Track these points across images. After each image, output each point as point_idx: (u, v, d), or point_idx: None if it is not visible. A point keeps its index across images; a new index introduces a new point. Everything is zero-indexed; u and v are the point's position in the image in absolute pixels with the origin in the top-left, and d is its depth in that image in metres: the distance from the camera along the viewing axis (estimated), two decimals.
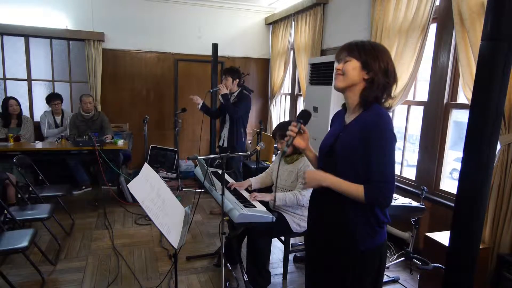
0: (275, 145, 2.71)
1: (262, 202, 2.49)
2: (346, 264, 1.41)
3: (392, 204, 2.79)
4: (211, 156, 2.70)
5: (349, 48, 1.40)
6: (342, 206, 1.39)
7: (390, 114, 3.60)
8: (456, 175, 4.60)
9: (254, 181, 2.82)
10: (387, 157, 1.32)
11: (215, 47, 4.82)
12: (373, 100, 1.37)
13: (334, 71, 1.45)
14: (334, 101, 3.72)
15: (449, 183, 3.14)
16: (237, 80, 3.83)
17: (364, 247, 1.38)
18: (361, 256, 1.39)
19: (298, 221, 2.59)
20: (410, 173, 3.48)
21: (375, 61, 1.35)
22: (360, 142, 1.33)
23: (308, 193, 2.47)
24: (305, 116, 1.51)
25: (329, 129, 1.61)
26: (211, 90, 4.11)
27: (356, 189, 1.33)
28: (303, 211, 2.58)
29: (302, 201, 2.49)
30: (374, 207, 1.38)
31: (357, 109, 1.41)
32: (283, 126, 2.62)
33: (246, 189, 2.77)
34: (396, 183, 3.68)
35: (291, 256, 3.04)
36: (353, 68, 1.37)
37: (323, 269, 1.49)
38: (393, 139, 1.34)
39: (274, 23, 6.00)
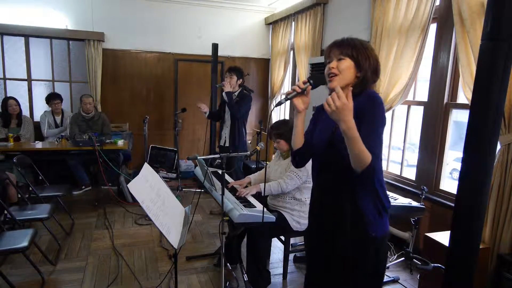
0: (275, 146, 2.71)
1: (261, 201, 2.50)
2: (359, 252, 1.41)
3: (392, 204, 2.80)
4: (211, 156, 2.70)
5: (341, 45, 1.39)
6: (353, 194, 1.39)
7: (391, 110, 3.58)
8: (456, 175, 4.60)
9: (253, 178, 2.83)
10: (375, 132, 1.32)
11: (215, 47, 4.81)
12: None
13: (326, 69, 1.42)
14: None
15: (449, 183, 3.14)
16: (241, 80, 3.86)
17: (375, 233, 1.39)
18: (372, 242, 1.40)
19: (298, 219, 2.59)
20: (410, 173, 3.48)
21: (366, 60, 1.38)
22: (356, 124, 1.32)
23: (292, 181, 2.51)
24: (316, 79, 1.44)
25: (308, 124, 1.61)
26: (218, 85, 4.11)
27: (367, 153, 1.25)
28: (301, 207, 2.59)
29: (286, 188, 2.53)
30: (379, 191, 1.40)
31: None
32: (278, 125, 2.62)
33: (246, 187, 2.78)
34: (396, 183, 3.68)
35: (291, 256, 3.04)
36: (347, 67, 1.38)
37: (331, 263, 1.49)
38: (383, 116, 1.36)
39: (274, 23, 6.00)
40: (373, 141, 1.29)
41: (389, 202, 1.46)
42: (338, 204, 1.44)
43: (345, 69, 1.38)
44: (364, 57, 1.38)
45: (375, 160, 1.27)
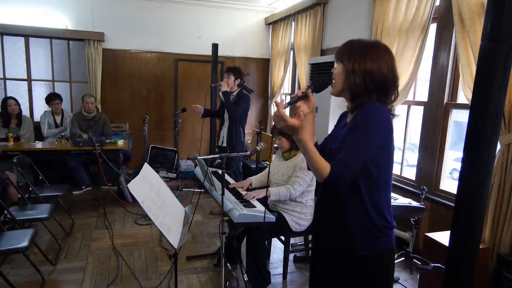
0: (275, 145, 2.71)
1: (261, 201, 2.50)
2: (347, 270, 1.38)
3: (392, 204, 2.80)
4: (211, 156, 2.70)
5: (339, 49, 1.34)
6: (340, 209, 1.35)
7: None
8: (456, 175, 4.60)
9: (255, 180, 2.83)
10: (358, 141, 1.22)
11: (215, 47, 4.81)
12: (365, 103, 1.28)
13: None
14: (334, 102, 3.72)
15: (449, 183, 3.14)
16: (239, 80, 3.85)
17: (363, 253, 1.34)
18: (361, 262, 1.35)
19: (298, 220, 2.58)
20: (410, 173, 3.48)
21: (350, 62, 1.26)
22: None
23: (300, 187, 2.50)
24: (318, 83, 1.40)
25: (333, 126, 1.56)
26: (213, 85, 4.10)
27: (323, 164, 1.18)
28: (302, 209, 2.58)
29: (294, 195, 2.51)
30: (370, 211, 1.34)
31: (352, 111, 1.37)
32: None
33: (247, 189, 2.77)
34: (396, 183, 3.68)
35: (291, 256, 3.04)
36: (338, 72, 1.31)
37: (328, 276, 1.48)
38: (378, 127, 1.25)
39: (274, 23, 6.00)
40: (350, 149, 1.20)
41: (386, 221, 1.38)
42: (326, 214, 1.43)
43: (336, 74, 1.32)
44: (348, 59, 1.26)
45: (339, 170, 1.17)
